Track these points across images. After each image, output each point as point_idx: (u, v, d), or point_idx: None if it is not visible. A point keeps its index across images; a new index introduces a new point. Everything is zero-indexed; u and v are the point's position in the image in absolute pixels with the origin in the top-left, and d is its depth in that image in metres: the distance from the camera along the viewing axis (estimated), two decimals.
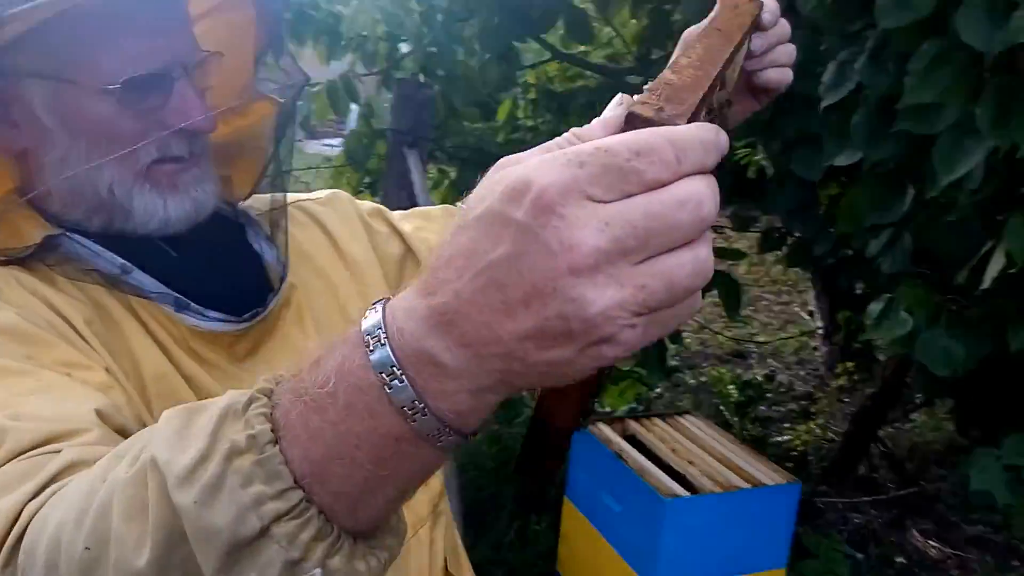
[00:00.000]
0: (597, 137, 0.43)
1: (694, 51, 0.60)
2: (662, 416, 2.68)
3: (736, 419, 3.56)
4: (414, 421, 0.45)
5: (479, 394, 0.45)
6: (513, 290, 0.41)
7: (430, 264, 0.45)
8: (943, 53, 1.26)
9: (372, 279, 1.01)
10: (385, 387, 0.45)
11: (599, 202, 0.40)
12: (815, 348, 4.65)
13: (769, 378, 4.13)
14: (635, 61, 3.07)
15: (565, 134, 0.47)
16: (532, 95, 3.41)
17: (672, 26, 2.65)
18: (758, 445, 3.13)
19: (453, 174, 3.54)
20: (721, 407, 3.80)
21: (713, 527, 2.24)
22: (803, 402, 4.05)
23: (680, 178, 0.40)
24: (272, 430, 0.47)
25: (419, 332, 0.44)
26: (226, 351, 0.83)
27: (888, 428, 3.56)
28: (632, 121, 0.44)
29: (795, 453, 3.56)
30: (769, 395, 3.97)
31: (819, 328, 4.44)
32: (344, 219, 1.04)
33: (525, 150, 0.46)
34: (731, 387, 3.75)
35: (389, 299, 0.47)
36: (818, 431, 3.65)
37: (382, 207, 1.12)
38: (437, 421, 0.45)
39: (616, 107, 0.47)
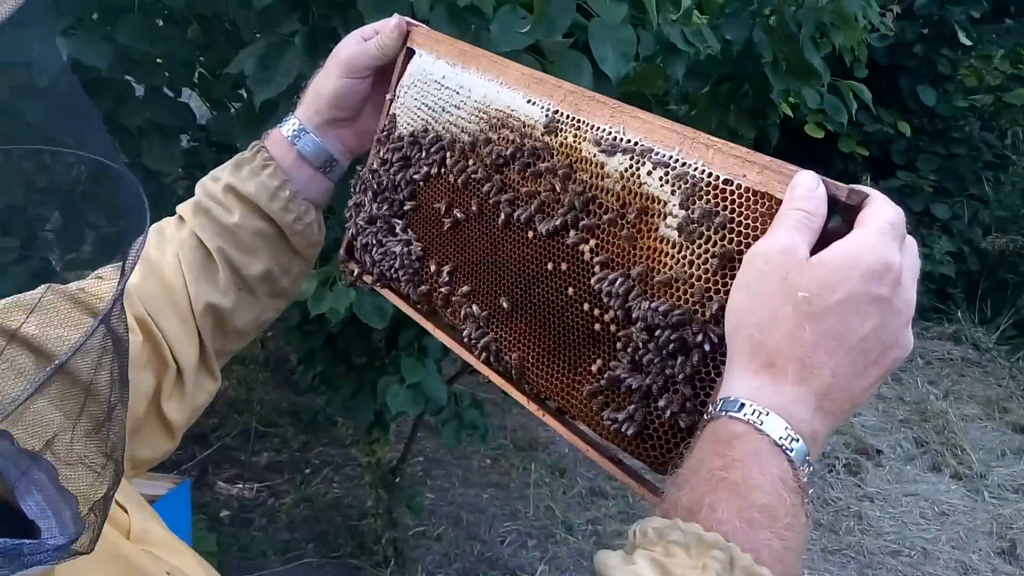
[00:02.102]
0: (822, 213, 0.57)
1: (641, 117, 0.70)
2: None
3: None
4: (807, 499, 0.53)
5: None
6: (872, 353, 0.54)
7: (786, 352, 0.52)
8: None
9: None
10: (804, 477, 0.51)
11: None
12: None
13: None
14: None
15: (797, 211, 0.57)
16: None
17: None
18: None
19: None
20: None
21: None
22: None
23: None
24: None
25: (809, 417, 0.52)
26: None
27: None
28: (851, 196, 0.59)
29: None
30: None
31: None
32: None
33: None
34: None
35: (745, 403, 0.52)
36: None
37: None
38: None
39: (817, 185, 0.58)
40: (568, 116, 0.77)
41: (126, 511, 0.66)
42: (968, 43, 5.43)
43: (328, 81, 0.93)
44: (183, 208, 0.93)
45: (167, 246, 0.91)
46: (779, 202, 0.60)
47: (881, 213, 0.55)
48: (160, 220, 0.95)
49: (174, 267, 0.89)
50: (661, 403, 0.66)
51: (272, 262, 0.93)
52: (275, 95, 1.50)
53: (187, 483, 2.27)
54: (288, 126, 0.93)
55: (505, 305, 0.80)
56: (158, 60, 1.93)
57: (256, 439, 3.66)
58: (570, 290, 0.74)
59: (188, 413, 0.88)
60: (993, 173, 5.78)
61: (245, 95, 2.09)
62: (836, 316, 0.51)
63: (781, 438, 0.49)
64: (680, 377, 0.65)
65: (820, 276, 0.52)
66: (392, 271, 0.93)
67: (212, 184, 0.92)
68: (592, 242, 0.73)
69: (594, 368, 0.72)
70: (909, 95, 5.86)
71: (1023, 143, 5.82)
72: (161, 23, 1.90)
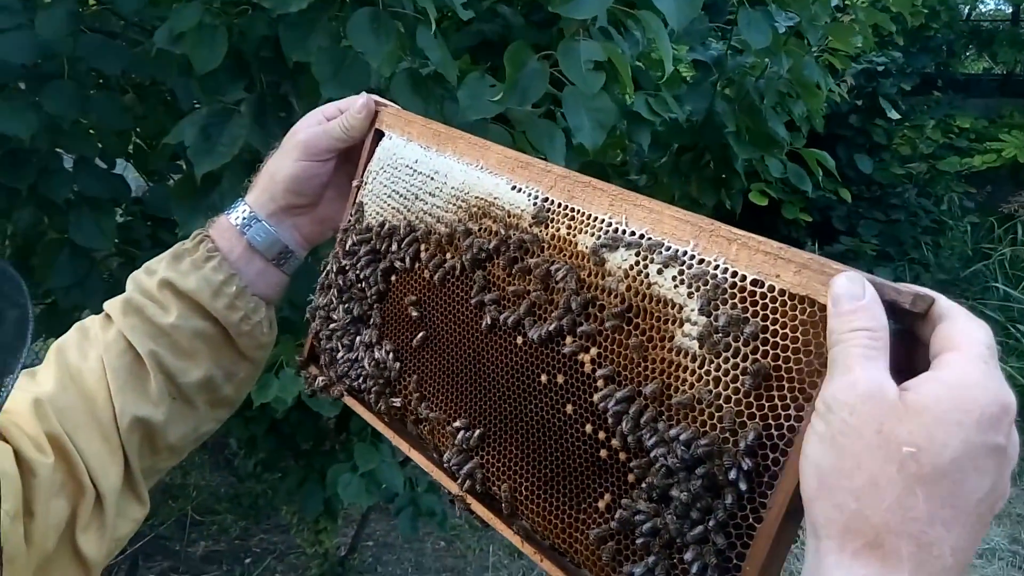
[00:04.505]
0: (884, 323, 0.47)
1: (646, 205, 0.60)
2: None
3: None
4: None
5: None
6: (986, 516, 0.44)
7: (896, 528, 0.41)
8: None
9: None
10: None
11: None
12: None
13: None
14: None
15: (858, 334, 0.47)
16: None
17: None
18: None
19: None
20: None
21: None
22: None
23: None
24: None
25: None
26: None
27: None
28: (916, 303, 0.49)
29: None
30: None
31: None
32: None
33: None
34: None
35: None
36: None
37: None
38: None
39: (863, 290, 0.48)
40: (560, 205, 0.67)
41: None
42: (897, 116, 5.60)
43: (285, 164, 0.82)
44: (111, 305, 0.80)
45: (90, 349, 0.78)
46: (823, 308, 0.51)
47: (972, 334, 0.45)
48: (84, 318, 0.82)
49: (97, 374, 0.77)
50: (688, 556, 0.54)
51: (213, 367, 0.81)
52: (218, 167, 1.38)
53: None
54: (237, 213, 0.82)
55: (491, 425, 0.68)
56: (91, 131, 1.80)
57: (192, 527, 3.41)
58: (569, 407, 0.63)
59: (108, 546, 0.75)
60: (932, 238, 5.92)
61: (185, 167, 1.97)
62: (952, 476, 0.41)
63: None
64: (711, 523, 0.54)
65: (926, 425, 0.42)
66: (360, 381, 0.81)
67: (146, 278, 0.80)
68: (593, 351, 0.63)
69: (601, 505, 0.61)
70: (847, 163, 6.00)
71: (958, 208, 5.99)
72: (93, 91, 1.77)
